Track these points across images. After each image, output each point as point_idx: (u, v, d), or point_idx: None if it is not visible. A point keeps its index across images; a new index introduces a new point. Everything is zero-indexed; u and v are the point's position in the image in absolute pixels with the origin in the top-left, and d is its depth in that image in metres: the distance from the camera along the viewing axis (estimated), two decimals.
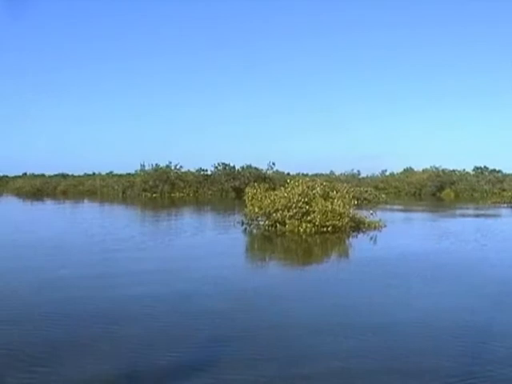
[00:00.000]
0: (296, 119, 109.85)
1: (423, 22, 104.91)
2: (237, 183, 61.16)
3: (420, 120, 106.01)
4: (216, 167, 62.70)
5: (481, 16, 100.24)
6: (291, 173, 70.28)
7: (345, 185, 25.07)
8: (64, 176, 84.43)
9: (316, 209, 20.94)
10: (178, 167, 61.49)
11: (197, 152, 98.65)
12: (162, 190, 58.61)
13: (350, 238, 20.03)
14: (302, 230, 20.26)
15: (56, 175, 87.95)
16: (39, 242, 17.84)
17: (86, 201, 51.28)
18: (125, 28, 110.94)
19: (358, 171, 70.50)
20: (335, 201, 21.55)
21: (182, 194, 58.86)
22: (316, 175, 69.31)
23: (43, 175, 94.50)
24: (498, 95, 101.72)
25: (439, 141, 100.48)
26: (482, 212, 35.57)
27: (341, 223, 20.99)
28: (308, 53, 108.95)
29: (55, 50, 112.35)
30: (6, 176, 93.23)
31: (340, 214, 21.16)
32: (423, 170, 69.47)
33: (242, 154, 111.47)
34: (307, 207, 21.12)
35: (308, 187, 22.30)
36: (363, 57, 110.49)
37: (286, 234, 20.38)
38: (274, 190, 24.74)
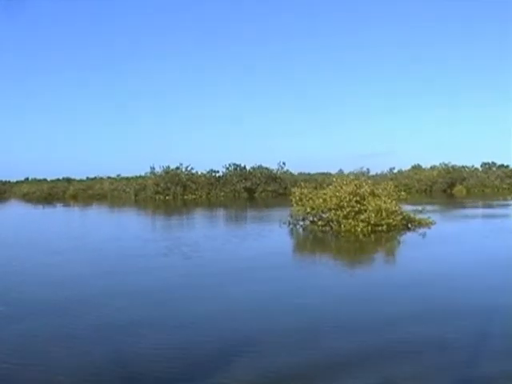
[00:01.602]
0: (296, 119, 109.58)
1: (432, 19, 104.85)
2: (248, 184, 61.01)
3: (424, 118, 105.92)
4: (227, 168, 62.48)
5: (489, 11, 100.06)
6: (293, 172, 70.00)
7: (389, 183, 24.79)
8: (69, 180, 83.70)
9: (369, 207, 20.77)
10: (188, 169, 61.25)
11: (202, 152, 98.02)
12: (174, 192, 58.30)
13: (408, 237, 19.81)
14: (359, 229, 20.07)
15: (58, 180, 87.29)
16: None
17: (100, 205, 50.74)
18: (134, 29, 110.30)
19: (368, 169, 70.02)
20: (386, 199, 21.44)
21: (194, 196, 58.56)
22: (325, 174, 69.38)
23: (45, 180, 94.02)
24: (501, 90, 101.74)
25: (444, 138, 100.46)
26: None
27: (395, 222, 20.85)
28: (310, 52, 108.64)
29: (57, 51, 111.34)
30: (9, 181, 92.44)
31: (392, 212, 21.04)
32: (431, 167, 69.71)
33: (247, 153, 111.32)
34: (359, 206, 20.98)
35: (356, 186, 22.13)
36: (367, 55, 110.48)
37: (342, 233, 20.20)
38: (315, 188, 24.63)
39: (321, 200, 21.26)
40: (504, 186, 63.52)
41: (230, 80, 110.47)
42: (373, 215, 20.48)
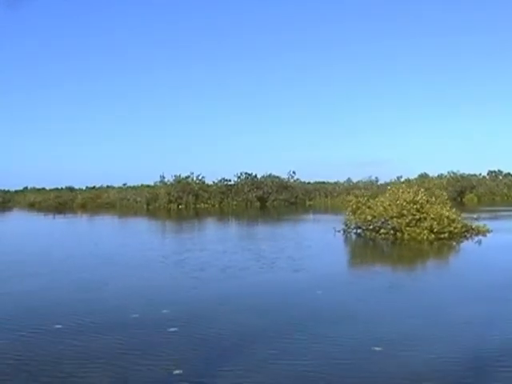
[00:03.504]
0: (303, 128, 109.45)
1: (437, 28, 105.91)
2: (260, 193, 60.81)
3: (429, 126, 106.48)
4: (239, 177, 62.19)
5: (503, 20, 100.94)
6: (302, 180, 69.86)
7: (443, 192, 24.77)
8: (71, 189, 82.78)
9: (431, 215, 20.68)
10: (200, 178, 60.91)
11: (212, 162, 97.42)
12: (186, 202, 57.88)
13: (471, 244, 19.70)
14: (425, 237, 19.94)
15: (60, 189, 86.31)
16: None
17: (113, 214, 50.07)
18: (140, 37, 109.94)
19: (376, 178, 70.41)
20: (444, 207, 21.45)
21: (206, 205, 58.20)
22: (336, 183, 69.42)
23: (44, 189, 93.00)
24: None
25: (449, 146, 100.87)
26: None
27: (456, 229, 20.78)
28: (318, 60, 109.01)
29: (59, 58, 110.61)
30: (8, 191, 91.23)
31: (453, 220, 20.99)
32: (439, 176, 70.09)
33: (256, 162, 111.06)
34: (419, 214, 20.88)
35: (414, 194, 22.05)
36: (373, 65, 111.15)
37: (405, 241, 20.06)
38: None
39: (381, 208, 21.11)
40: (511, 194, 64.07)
41: (240, 88, 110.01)
42: (435, 223, 20.40)
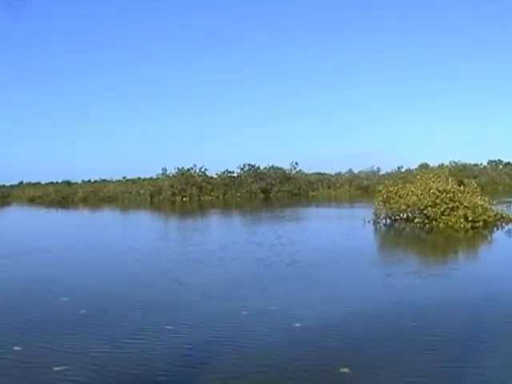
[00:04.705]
0: (303, 120, 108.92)
1: (434, 20, 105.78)
2: (263, 184, 60.53)
3: (430, 117, 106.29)
4: (242, 168, 61.82)
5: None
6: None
7: (472, 181, 24.63)
8: (68, 183, 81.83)
9: (465, 204, 20.55)
10: (202, 170, 60.44)
11: (212, 153, 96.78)
12: (190, 194, 57.47)
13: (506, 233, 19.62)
14: (462, 225, 19.81)
15: (55, 183, 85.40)
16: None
17: (116, 207, 49.49)
18: (140, 34, 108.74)
19: (378, 168, 70.39)
20: (475, 196, 21.35)
21: (210, 197, 57.81)
22: (338, 174, 69.30)
23: (39, 183, 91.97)
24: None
25: (449, 136, 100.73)
26: None
27: (490, 218, 20.68)
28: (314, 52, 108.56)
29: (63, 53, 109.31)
30: (4, 185, 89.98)
31: (486, 209, 20.89)
32: (440, 166, 70.21)
33: (258, 153, 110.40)
34: (453, 203, 20.76)
35: (444, 183, 21.96)
36: (373, 56, 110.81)
37: (440, 230, 19.94)
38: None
39: (415, 197, 20.95)
40: None
41: (241, 81, 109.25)
42: (469, 211, 20.28)
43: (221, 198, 58.28)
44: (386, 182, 24.17)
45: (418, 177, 23.36)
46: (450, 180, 22.63)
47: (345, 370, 5.72)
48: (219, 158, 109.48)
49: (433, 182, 21.89)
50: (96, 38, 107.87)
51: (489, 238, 18.98)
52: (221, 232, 23.35)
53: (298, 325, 7.46)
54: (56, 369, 5.92)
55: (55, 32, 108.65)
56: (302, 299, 9.15)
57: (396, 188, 22.08)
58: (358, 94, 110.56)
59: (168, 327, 7.48)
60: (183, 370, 5.92)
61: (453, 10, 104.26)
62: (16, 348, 6.67)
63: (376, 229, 21.82)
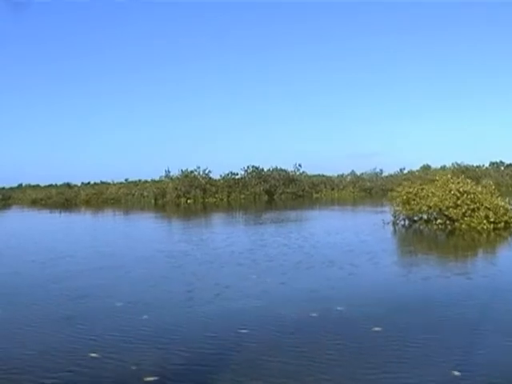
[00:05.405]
0: (305, 121, 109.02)
1: (435, 21, 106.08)
2: (267, 186, 60.51)
3: (430, 118, 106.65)
4: (245, 170, 61.78)
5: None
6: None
7: (490, 182, 24.69)
8: (69, 185, 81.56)
9: (485, 205, 20.57)
10: (206, 172, 60.35)
11: (215, 156, 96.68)
12: (195, 196, 57.39)
13: None
14: (485, 227, 19.82)
15: (54, 185, 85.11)
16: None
17: (121, 210, 49.32)
18: (142, 35, 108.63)
19: (381, 170, 70.52)
20: (495, 197, 21.39)
21: (214, 199, 57.72)
22: (341, 176, 69.31)
23: (38, 185, 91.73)
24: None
25: (449, 138, 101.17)
26: None
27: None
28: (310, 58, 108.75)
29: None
30: (4, 187, 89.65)
31: (507, 210, 20.93)
32: (442, 167, 70.33)
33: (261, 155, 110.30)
34: (473, 204, 20.78)
35: (464, 184, 21.96)
36: (373, 58, 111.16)
37: (462, 232, 19.94)
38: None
39: (436, 199, 20.95)
40: None
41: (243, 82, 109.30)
42: (491, 213, 20.30)
43: (225, 200, 58.19)
44: (405, 183, 24.14)
45: (437, 177, 23.30)
46: (468, 181, 22.57)
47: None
48: (223, 159, 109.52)
49: (452, 182, 21.89)
50: (96, 39, 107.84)
51: None
52: (240, 234, 23.28)
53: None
54: None
55: (55, 32, 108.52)
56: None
57: (416, 189, 22.08)
58: (358, 94, 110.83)
59: None
60: None
61: (453, 10, 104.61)
62: None
63: (395, 230, 21.79)
